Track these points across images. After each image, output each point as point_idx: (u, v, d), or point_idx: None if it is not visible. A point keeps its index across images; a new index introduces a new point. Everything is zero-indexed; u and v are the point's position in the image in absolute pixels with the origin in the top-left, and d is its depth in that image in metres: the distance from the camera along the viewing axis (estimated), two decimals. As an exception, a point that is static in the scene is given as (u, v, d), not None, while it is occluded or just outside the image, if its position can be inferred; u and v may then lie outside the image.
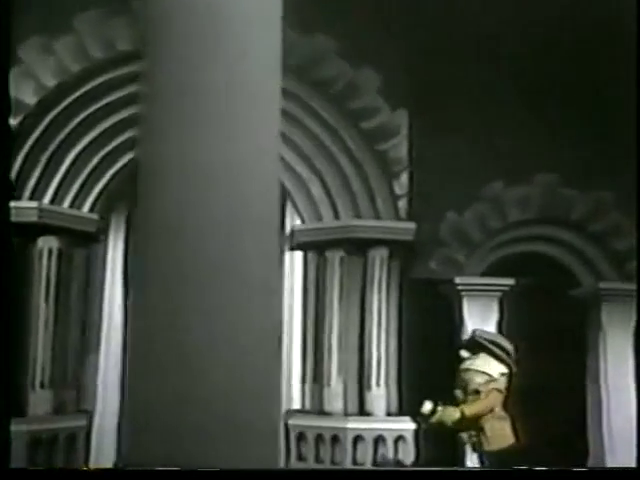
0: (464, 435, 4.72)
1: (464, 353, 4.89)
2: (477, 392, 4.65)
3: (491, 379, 4.71)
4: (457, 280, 6.89)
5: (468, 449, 5.17)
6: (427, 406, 4.61)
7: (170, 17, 2.93)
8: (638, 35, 5.41)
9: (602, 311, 7.12)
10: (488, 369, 4.73)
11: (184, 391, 2.65)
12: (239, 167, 2.88)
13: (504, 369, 4.79)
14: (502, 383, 4.81)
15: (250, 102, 2.95)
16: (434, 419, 4.62)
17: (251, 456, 2.66)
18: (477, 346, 4.81)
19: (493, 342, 4.91)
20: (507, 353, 4.90)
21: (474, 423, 4.65)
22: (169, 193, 2.80)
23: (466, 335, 6.87)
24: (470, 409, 4.59)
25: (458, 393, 4.80)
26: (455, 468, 4.47)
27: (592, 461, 7.03)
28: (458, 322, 6.94)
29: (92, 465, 7.30)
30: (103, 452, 7.67)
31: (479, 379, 4.70)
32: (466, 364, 4.82)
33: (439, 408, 4.64)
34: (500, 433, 4.70)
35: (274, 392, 2.88)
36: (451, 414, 4.59)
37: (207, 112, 2.87)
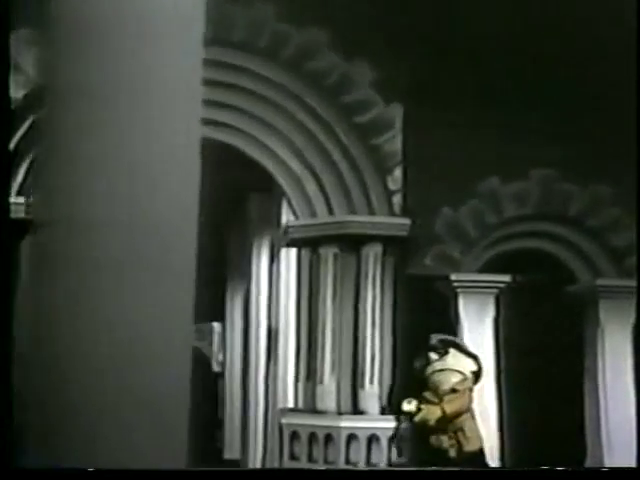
0: (444, 438, 4.60)
1: (433, 355, 4.76)
2: (454, 391, 4.53)
3: (465, 377, 4.59)
4: (453, 277, 6.80)
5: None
6: (412, 404, 4.48)
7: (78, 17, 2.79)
8: (638, 33, 5.34)
9: (600, 308, 7.02)
10: (462, 367, 4.61)
11: (87, 384, 2.56)
12: (153, 164, 2.76)
13: (474, 366, 4.66)
14: (472, 382, 4.69)
15: (169, 99, 2.82)
16: (417, 418, 4.51)
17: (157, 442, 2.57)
18: (447, 344, 4.67)
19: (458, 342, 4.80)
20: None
21: (452, 424, 4.53)
22: (75, 187, 2.69)
23: (461, 332, 6.82)
24: (451, 407, 4.47)
25: (428, 395, 4.66)
26: (453, 468, 4.34)
27: (590, 461, 6.93)
28: (454, 319, 6.82)
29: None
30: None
31: (454, 378, 4.57)
32: (437, 365, 4.68)
33: (422, 406, 4.51)
34: (477, 434, 4.59)
35: (184, 386, 2.77)
36: (434, 412, 4.47)
37: (120, 109, 2.74)
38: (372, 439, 6.35)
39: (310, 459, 6.44)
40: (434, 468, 4.39)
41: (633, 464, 5.61)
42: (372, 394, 6.49)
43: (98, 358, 2.59)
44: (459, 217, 6.89)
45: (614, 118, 6.45)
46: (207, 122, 6.71)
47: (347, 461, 6.33)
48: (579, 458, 6.85)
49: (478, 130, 6.70)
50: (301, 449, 6.49)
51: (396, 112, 6.70)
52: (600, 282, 7.04)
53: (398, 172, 6.68)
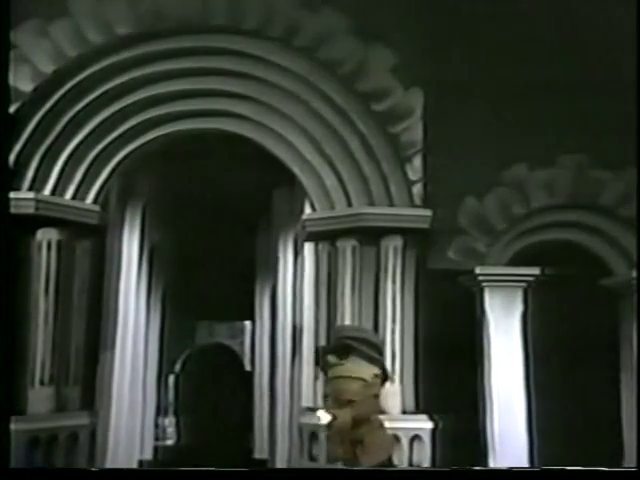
0: (340, 450, 4.18)
1: (332, 358, 4.31)
2: (350, 402, 4.06)
3: (366, 384, 4.13)
4: (478, 270, 6.52)
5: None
6: (324, 417, 4.04)
7: None
8: (638, 32, 5.06)
9: (636, 302, 6.64)
10: (362, 374, 4.13)
11: None
12: None
13: (376, 370, 4.19)
14: (377, 387, 4.20)
15: None
16: (334, 427, 4.07)
17: None
18: (345, 349, 4.21)
19: (362, 340, 4.32)
20: (378, 350, 4.32)
21: (352, 434, 4.09)
22: None
23: (487, 328, 6.54)
24: (356, 411, 4.01)
25: (329, 403, 4.22)
26: (464, 467, 4.04)
27: (627, 462, 6.57)
28: (479, 315, 6.57)
29: (108, 464, 7.13)
30: (118, 451, 7.51)
31: (354, 385, 4.10)
32: (336, 371, 4.23)
33: (335, 412, 4.06)
34: (379, 447, 4.11)
35: None
36: (346, 416, 4.02)
37: None
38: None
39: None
40: (460, 467, 4.07)
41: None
42: (393, 393, 6.23)
43: None
44: (484, 207, 6.59)
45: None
46: (221, 113, 6.60)
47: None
48: (615, 458, 6.50)
49: (502, 115, 6.40)
50: (320, 450, 6.27)
51: (416, 99, 6.44)
52: (636, 274, 6.65)
53: (418, 161, 6.42)
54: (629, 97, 5.79)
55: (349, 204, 6.52)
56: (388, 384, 6.00)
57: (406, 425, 6.15)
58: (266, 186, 8.34)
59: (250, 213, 9.49)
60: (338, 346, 4.20)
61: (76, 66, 6.24)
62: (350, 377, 4.01)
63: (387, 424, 6.16)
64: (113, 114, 6.44)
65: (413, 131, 6.41)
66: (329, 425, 3.94)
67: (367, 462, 3.92)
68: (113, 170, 6.57)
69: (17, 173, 6.08)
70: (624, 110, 5.87)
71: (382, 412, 4.07)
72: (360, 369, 3.99)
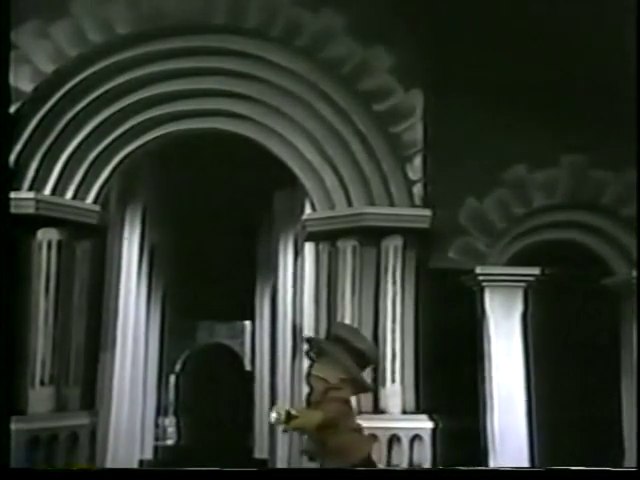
0: (312, 447, 4.10)
1: (312, 355, 4.25)
2: (319, 403, 3.97)
3: (329, 386, 4.03)
4: (478, 270, 6.53)
5: None
6: (276, 412, 3.96)
7: None
8: (638, 32, 5.19)
9: (636, 302, 6.64)
10: (325, 375, 4.04)
11: None
12: None
13: (344, 375, 4.07)
14: (346, 392, 4.09)
15: None
16: (293, 425, 3.98)
17: None
18: (319, 348, 4.15)
19: (341, 341, 4.19)
20: (360, 356, 4.18)
21: (317, 435, 4.00)
22: None
23: (487, 328, 6.55)
24: (328, 413, 3.92)
25: (311, 398, 4.16)
26: (464, 467, 4.04)
27: (628, 462, 6.58)
28: (480, 315, 6.57)
29: (109, 464, 7.13)
30: (118, 451, 7.51)
31: (320, 386, 4.03)
32: (312, 367, 4.17)
33: (293, 412, 3.99)
34: (348, 449, 4.01)
35: None
36: (313, 417, 3.93)
37: None
38: (393, 439, 6.11)
39: (329, 460, 6.20)
40: (459, 468, 4.06)
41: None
42: (393, 393, 6.26)
43: None
44: (484, 207, 6.61)
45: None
46: (221, 113, 6.60)
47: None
48: (616, 459, 6.51)
49: (503, 115, 6.40)
50: (320, 450, 6.26)
51: (416, 99, 6.45)
52: (637, 274, 6.65)
53: (418, 161, 6.44)
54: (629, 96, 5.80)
55: (349, 204, 6.53)
56: (389, 385, 6.06)
57: (406, 425, 6.17)
58: (266, 186, 8.34)
59: (251, 213, 9.49)
60: (315, 344, 4.15)
61: (76, 66, 6.24)
62: (317, 377, 3.96)
63: (388, 424, 6.21)
64: (113, 114, 6.44)
65: (413, 131, 6.43)
66: (292, 427, 3.87)
67: (332, 463, 3.86)
68: (113, 170, 6.58)
69: (17, 173, 6.09)
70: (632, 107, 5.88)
71: (350, 417, 4.04)
72: (325, 370, 3.90)
